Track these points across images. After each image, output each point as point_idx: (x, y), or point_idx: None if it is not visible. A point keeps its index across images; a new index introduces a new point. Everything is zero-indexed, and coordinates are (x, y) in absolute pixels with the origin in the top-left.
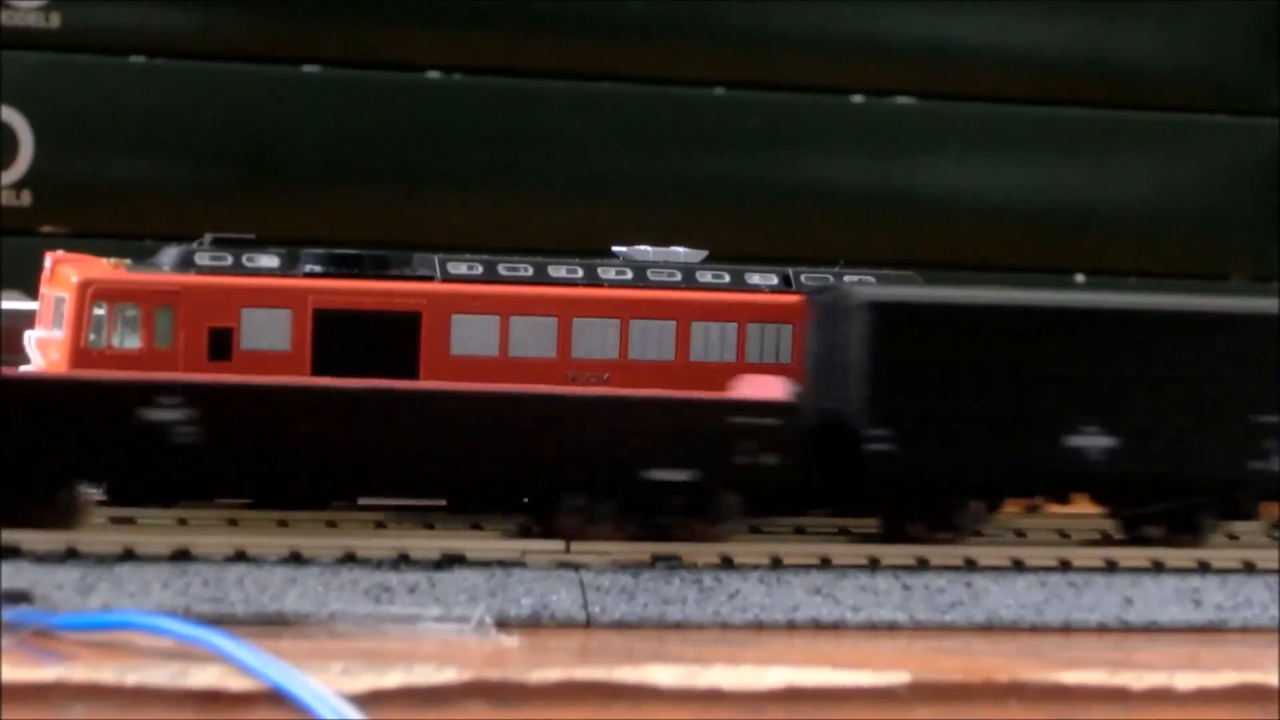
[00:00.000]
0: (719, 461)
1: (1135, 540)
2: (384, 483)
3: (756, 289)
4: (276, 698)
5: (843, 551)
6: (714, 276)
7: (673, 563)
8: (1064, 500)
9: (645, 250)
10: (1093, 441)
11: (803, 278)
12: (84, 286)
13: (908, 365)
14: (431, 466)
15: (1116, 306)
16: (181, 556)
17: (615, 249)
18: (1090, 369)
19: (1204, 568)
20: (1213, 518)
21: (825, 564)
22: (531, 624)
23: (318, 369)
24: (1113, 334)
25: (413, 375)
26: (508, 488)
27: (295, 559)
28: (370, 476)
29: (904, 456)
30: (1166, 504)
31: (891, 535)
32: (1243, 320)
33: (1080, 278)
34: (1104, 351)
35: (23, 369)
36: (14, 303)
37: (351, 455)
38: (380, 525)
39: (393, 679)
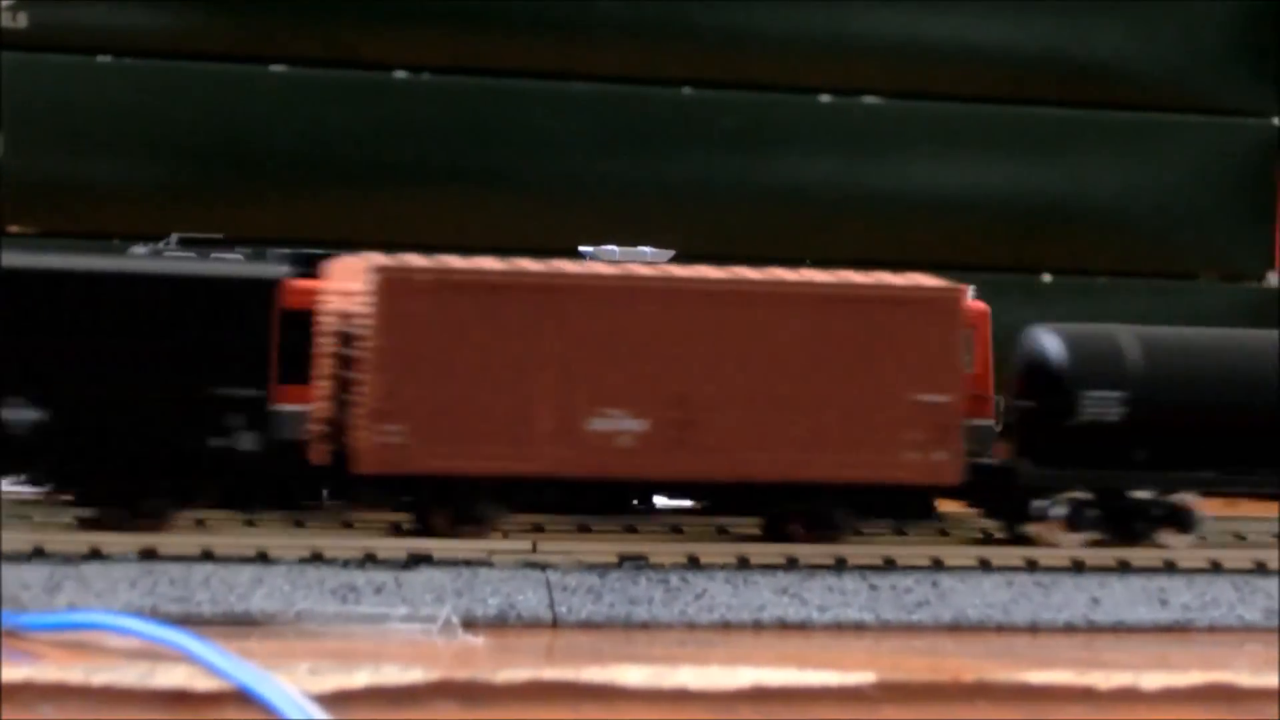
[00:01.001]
0: None
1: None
2: None
3: None
4: (243, 698)
5: (810, 551)
6: None
7: (639, 562)
8: None
9: (612, 250)
10: (20, 415)
11: None
12: None
13: None
14: None
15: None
16: (148, 556)
17: (582, 249)
18: (17, 335)
19: (1171, 568)
20: (172, 504)
21: (792, 564)
22: (498, 624)
23: (285, 367)
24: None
25: None
26: None
27: (262, 559)
28: None
29: None
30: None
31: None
32: (205, 284)
33: (1047, 277)
34: (39, 317)
35: None
36: None
37: None
38: (347, 525)
39: (360, 679)
